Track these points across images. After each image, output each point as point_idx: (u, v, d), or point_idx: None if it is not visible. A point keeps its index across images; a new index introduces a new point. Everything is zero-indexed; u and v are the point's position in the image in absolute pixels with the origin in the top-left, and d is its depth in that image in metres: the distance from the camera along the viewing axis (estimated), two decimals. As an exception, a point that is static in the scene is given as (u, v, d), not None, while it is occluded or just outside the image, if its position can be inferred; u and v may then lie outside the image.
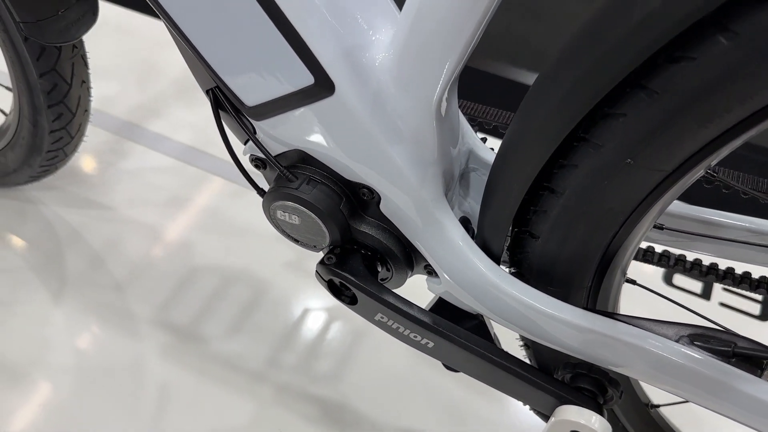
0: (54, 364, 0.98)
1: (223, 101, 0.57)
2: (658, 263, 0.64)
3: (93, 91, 0.92)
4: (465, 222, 0.63)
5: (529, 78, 1.48)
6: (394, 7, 0.52)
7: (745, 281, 0.65)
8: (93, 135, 1.06)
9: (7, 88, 0.87)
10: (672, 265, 0.64)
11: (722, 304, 1.06)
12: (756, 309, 1.06)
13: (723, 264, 0.67)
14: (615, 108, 0.41)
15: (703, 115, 0.38)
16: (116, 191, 1.19)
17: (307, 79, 0.50)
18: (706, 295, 1.08)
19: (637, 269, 1.07)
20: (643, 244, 0.66)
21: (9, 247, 1.12)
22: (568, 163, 0.46)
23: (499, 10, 0.43)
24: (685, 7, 0.34)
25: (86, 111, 0.90)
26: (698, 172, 0.45)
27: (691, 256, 0.65)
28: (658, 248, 0.66)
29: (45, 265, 1.09)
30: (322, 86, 0.50)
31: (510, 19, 1.62)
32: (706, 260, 0.65)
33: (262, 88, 0.52)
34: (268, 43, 0.49)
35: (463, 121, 0.60)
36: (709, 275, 0.63)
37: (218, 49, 0.52)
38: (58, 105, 0.81)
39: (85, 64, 0.83)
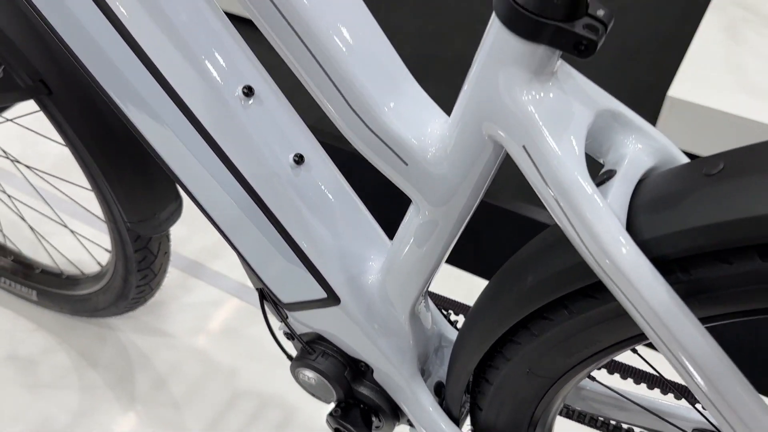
0: (120, 470, 1.20)
1: (267, 296, 0.81)
2: (588, 425, 0.83)
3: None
4: (440, 386, 0.83)
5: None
6: (385, 239, 0.76)
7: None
8: (164, 271, 1.33)
9: (107, 250, 1.15)
10: (599, 427, 0.82)
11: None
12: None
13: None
14: (515, 338, 0.62)
15: (565, 350, 0.60)
16: (180, 321, 1.44)
17: (321, 294, 0.73)
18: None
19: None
20: (579, 407, 0.85)
21: (91, 366, 1.36)
22: (493, 365, 0.67)
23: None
24: (542, 293, 0.56)
25: (165, 271, 1.16)
26: (582, 377, 0.66)
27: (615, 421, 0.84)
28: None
29: (118, 383, 1.33)
30: (332, 299, 0.73)
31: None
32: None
33: (292, 294, 0.76)
34: (296, 271, 0.72)
35: (435, 312, 0.82)
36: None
37: (263, 268, 0.76)
38: (145, 269, 1.07)
39: (168, 240, 1.10)
